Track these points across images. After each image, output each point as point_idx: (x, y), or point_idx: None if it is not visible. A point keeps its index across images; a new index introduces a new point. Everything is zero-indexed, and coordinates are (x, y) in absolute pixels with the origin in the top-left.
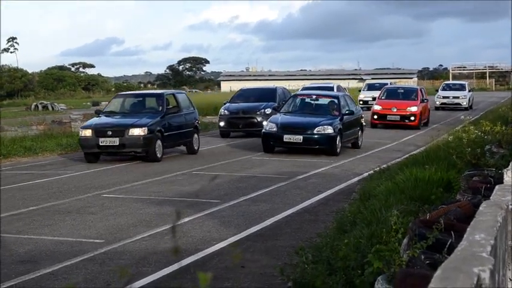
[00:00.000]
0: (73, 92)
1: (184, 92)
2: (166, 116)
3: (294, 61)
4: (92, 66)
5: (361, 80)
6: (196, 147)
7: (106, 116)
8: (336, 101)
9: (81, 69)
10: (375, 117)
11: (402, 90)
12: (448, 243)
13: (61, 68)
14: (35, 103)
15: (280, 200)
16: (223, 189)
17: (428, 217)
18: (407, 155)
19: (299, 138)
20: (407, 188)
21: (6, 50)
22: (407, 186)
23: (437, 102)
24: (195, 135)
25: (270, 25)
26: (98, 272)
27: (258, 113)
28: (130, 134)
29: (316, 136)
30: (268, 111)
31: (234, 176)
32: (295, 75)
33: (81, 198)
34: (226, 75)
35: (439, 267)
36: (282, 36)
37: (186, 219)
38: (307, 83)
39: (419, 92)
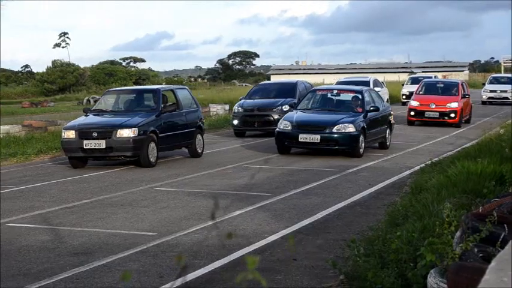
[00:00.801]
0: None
1: (185, 87)
2: (163, 114)
3: (343, 54)
4: (142, 60)
5: (412, 73)
6: (199, 150)
7: (94, 115)
8: (359, 96)
9: (131, 64)
10: (412, 113)
11: (442, 85)
12: (502, 236)
13: (112, 62)
14: (86, 97)
15: (331, 193)
16: (275, 183)
17: (481, 210)
18: (459, 148)
19: (316, 137)
20: (460, 181)
21: (58, 45)
22: (459, 179)
23: (483, 97)
24: (199, 136)
25: (319, 19)
26: (151, 264)
27: (274, 110)
28: (118, 135)
29: (335, 135)
30: (286, 108)
31: (284, 169)
32: (345, 68)
33: (134, 191)
34: (276, 69)
35: (493, 259)
36: (331, 29)
37: (237, 213)
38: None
39: (460, 86)
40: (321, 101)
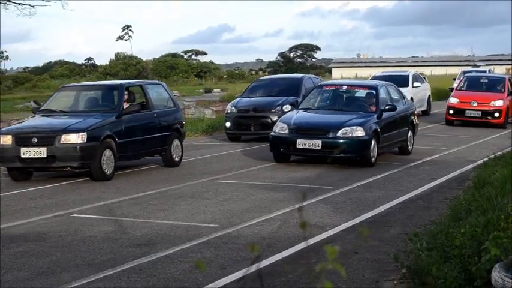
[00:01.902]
0: (186, 79)
1: (161, 83)
2: (125, 116)
3: (405, 48)
4: (204, 53)
5: (475, 66)
6: (176, 158)
7: (43, 115)
8: (373, 92)
9: (193, 57)
10: (451, 112)
11: (486, 80)
12: None
13: (174, 55)
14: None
15: (393, 187)
16: (336, 176)
17: None
18: (500, 152)
19: (317, 143)
20: None
21: (121, 37)
22: None
23: None
24: (176, 142)
25: (381, 11)
26: (213, 255)
27: (273, 110)
28: (62, 141)
29: (340, 140)
30: (287, 108)
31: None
32: (406, 61)
33: (196, 183)
34: (337, 62)
35: None
36: (393, 22)
37: (298, 205)
38: (420, 70)
39: (507, 82)
40: (328, 99)
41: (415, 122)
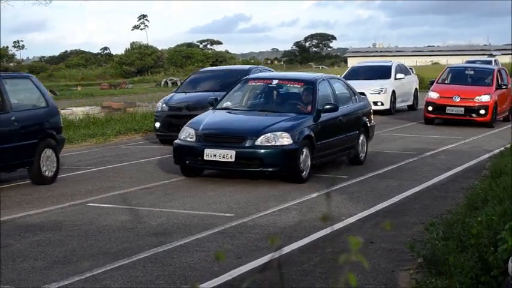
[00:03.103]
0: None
1: (29, 75)
2: None
3: (421, 37)
4: (219, 43)
5: (491, 55)
6: (49, 172)
7: None
8: (310, 88)
9: (208, 46)
10: (429, 108)
11: (472, 72)
12: None
13: (189, 45)
14: (164, 79)
15: (409, 177)
16: (351, 165)
17: None
18: None
19: (229, 154)
20: None
21: (136, 27)
22: None
23: None
24: (48, 152)
25: (396, 1)
26: (229, 245)
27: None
28: None
29: (259, 150)
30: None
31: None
32: (422, 51)
33: (211, 172)
34: (352, 52)
35: None
36: (408, 12)
37: (314, 195)
38: (435, 59)
39: (495, 74)
40: (254, 97)
41: (369, 124)
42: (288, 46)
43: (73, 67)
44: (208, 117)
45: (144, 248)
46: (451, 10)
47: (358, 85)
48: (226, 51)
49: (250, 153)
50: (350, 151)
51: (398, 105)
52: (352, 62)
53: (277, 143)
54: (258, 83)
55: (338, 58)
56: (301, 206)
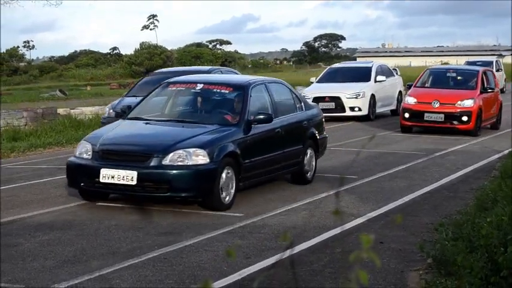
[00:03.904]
0: None
1: None
2: None
3: (430, 37)
4: (228, 43)
5: (500, 56)
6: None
7: None
8: (240, 94)
9: (217, 46)
10: (406, 115)
11: (454, 74)
12: None
13: (198, 45)
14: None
15: (418, 177)
16: (360, 165)
17: None
18: None
19: (130, 175)
20: None
21: (146, 27)
22: None
23: None
24: None
25: (405, 1)
26: (238, 244)
27: None
28: None
29: (168, 172)
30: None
31: (371, 153)
32: (431, 51)
33: None
34: (362, 52)
35: None
36: (417, 12)
37: (324, 195)
38: (445, 59)
39: (480, 76)
40: (174, 104)
41: (319, 136)
42: (296, 46)
43: (82, 67)
44: (112, 129)
45: (154, 248)
46: (458, 10)
47: (333, 89)
48: (236, 52)
49: (156, 174)
50: (293, 169)
51: (379, 110)
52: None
53: (190, 162)
54: (180, 88)
55: (347, 58)
56: (310, 206)
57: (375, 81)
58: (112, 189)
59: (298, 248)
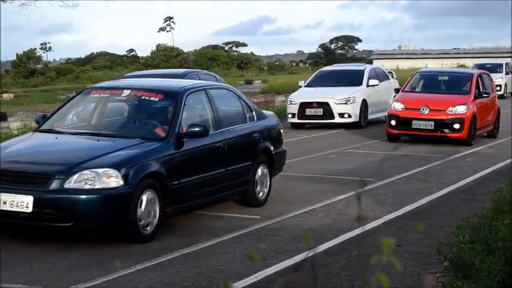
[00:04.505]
0: (226, 71)
1: None
2: None
3: (447, 39)
4: (244, 45)
5: None
6: None
7: None
8: (173, 102)
9: (234, 48)
10: (392, 123)
11: (446, 78)
12: None
13: (215, 47)
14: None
15: (435, 179)
16: (376, 168)
17: None
18: None
19: (25, 202)
20: None
21: (162, 29)
22: None
23: None
24: None
25: (421, 3)
26: (255, 247)
27: None
28: None
29: (70, 197)
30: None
31: (389, 155)
32: (448, 53)
33: None
34: (378, 54)
35: None
36: (433, 13)
37: (341, 197)
38: (461, 61)
39: (475, 80)
40: (95, 114)
41: (274, 151)
42: (313, 48)
43: (99, 69)
44: (16, 144)
45: (170, 250)
46: (475, 12)
47: (321, 93)
48: (252, 54)
49: (56, 200)
50: (240, 189)
51: (372, 116)
52: (378, 65)
53: (99, 185)
54: (104, 95)
55: (364, 60)
56: (327, 208)
57: (367, 85)
58: (3, 218)
59: (315, 250)
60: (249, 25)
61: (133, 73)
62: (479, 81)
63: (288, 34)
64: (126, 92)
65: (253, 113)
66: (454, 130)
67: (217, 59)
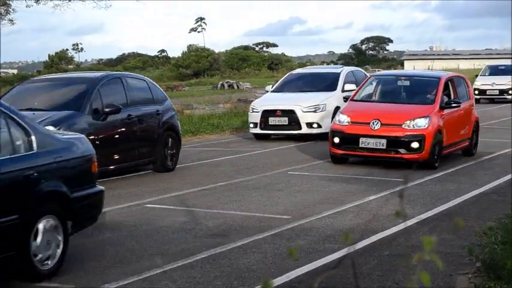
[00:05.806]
0: (257, 71)
1: None
2: None
3: (478, 40)
4: (275, 45)
5: None
6: None
7: None
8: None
9: (264, 49)
10: (336, 141)
11: (407, 83)
12: None
13: (245, 47)
14: (221, 82)
15: (467, 180)
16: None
17: None
18: None
19: None
20: None
21: (194, 29)
22: None
23: None
24: None
25: (453, 3)
26: (286, 247)
27: None
28: None
29: None
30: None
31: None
32: (480, 54)
33: (268, 175)
34: (409, 55)
35: None
36: (465, 14)
37: (372, 197)
38: (493, 62)
39: (441, 85)
40: None
41: (72, 194)
42: (343, 49)
43: (130, 70)
44: None
45: (202, 249)
46: (507, 12)
47: (286, 100)
48: (283, 54)
49: None
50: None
51: None
52: (409, 65)
53: None
54: None
55: (394, 61)
56: (358, 209)
57: (343, 90)
58: None
59: (345, 251)
60: (280, 26)
61: (40, 77)
62: (450, 88)
63: (318, 35)
64: None
65: (33, 137)
66: (412, 150)
67: (248, 59)
